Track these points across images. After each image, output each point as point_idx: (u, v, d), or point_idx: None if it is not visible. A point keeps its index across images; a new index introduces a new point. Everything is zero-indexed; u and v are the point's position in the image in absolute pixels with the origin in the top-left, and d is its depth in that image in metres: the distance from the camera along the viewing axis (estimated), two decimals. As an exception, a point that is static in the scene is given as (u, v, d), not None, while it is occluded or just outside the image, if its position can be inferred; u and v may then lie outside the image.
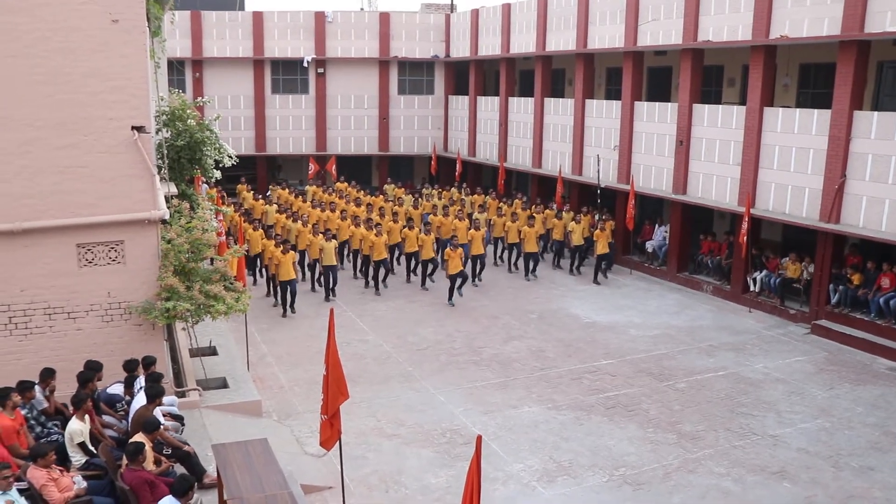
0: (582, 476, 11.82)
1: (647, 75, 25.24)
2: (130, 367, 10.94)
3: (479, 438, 6.30)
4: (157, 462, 9.24)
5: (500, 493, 11.31)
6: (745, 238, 19.63)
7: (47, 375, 10.59)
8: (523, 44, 28.96)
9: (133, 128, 11.38)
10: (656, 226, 24.62)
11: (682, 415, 13.97)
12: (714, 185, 21.30)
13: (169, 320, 11.71)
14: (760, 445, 12.85)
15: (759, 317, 19.82)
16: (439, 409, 14.13)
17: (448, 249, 20.49)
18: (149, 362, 10.98)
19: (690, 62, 21.78)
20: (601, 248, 22.50)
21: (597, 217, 24.21)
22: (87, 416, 9.70)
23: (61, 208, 11.28)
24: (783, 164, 19.29)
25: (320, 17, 33.06)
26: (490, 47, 31.07)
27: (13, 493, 7.94)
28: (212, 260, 12.84)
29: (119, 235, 11.64)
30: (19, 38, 10.82)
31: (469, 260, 21.83)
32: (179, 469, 9.68)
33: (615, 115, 24.72)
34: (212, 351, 15.22)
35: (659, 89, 25.42)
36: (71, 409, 9.80)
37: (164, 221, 12.08)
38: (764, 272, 20.45)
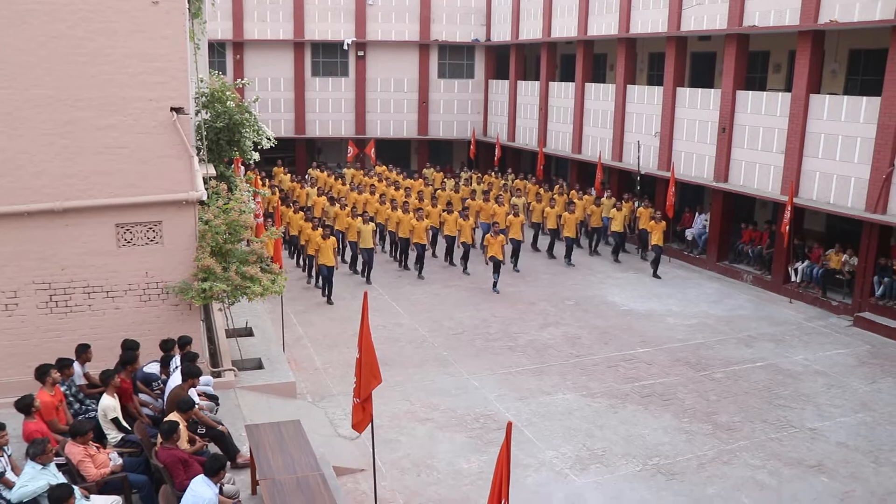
0: (615, 465, 11.70)
1: (690, 61, 24.78)
2: (167, 346, 11.05)
3: (510, 425, 6.22)
4: (192, 441, 9.33)
5: (532, 480, 11.25)
6: (787, 227, 19.23)
7: (83, 351, 10.76)
8: (565, 28, 28.64)
9: (172, 109, 11.44)
10: (696, 213, 24.25)
11: (719, 405, 13.76)
12: (756, 174, 20.89)
13: (205, 301, 11.78)
14: (798, 438, 12.61)
15: (800, 308, 19.44)
16: (473, 395, 14.09)
17: (489, 235, 20.33)
18: (184, 342, 11.08)
19: (735, 48, 21.32)
20: (657, 238, 21.77)
21: (637, 205, 23.87)
22: (116, 393, 9.81)
23: (101, 188, 11.40)
24: (828, 152, 18.83)
25: (361, 1, 33.03)
26: (531, 31, 30.78)
27: (52, 468, 8.06)
28: (248, 241, 12.87)
29: (157, 216, 11.74)
30: (62, 18, 10.91)
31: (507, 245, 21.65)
32: (213, 448, 9.77)
33: (657, 101, 24.35)
34: (248, 332, 15.32)
35: (702, 75, 24.96)
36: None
37: (201, 202, 12.15)
38: (806, 262, 20.03)
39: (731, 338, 17.19)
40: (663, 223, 21.89)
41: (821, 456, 12.05)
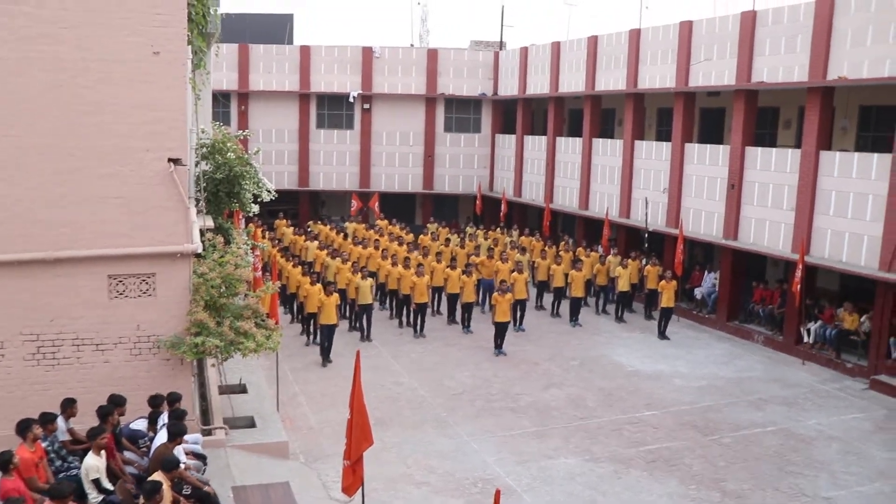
0: (618, 533, 11.46)
1: (699, 116, 25.03)
2: (155, 402, 10.96)
3: (498, 493, 6.10)
4: (176, 502, 9.17)
5: (532, 549, 11.01)
6: (798, 287, 19.13)
7: (68, 405, 10.66)
8: (573, 83, 28.97)
9: (169, 160, 11.54)
10: (706, 272, 24.19)
11: (728, 471, 13.51)
12: (767, 231, 20.86)
13: (198, 356, 11.72)
14: (811, 508, 12.36)
15: (814, 370, 19.22)
16: (472, 457, 13.89)
17: (496, 294, 20.23)
18: (173, 399, 10.98)
19: (744, 104, 21.52)
20: (667, 300, 21.53)
21: (645, 263, 23.78)
22: (103, 452, 9.68)
23: (95, 238, 11.44)
24: (840, 209, 18.83)
25: (368, 53, 33.54)
26: (539, 86, 31.16)
27: (27, 529, 7.92)
28: (245, 296, 12.83)
29: (151, 268, 11.75)
30: (65, 68, 11.10)
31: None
32: (199, 510, 9.60)
33: (665, 156, 24.49)
34: (241, 389, 15.21)
35: (711, 131, 25.16)
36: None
37: (197, 255, 12.16)
38: (818, 323, 19.89)
39: (741, 400, 16.98)
40: (674, 282, 21.78)
41: (834, 527, 11.80)
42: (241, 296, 12.71)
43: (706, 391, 17.56)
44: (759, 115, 22.28)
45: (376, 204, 31.57)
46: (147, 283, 11.78)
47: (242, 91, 32.98)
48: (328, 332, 18.83)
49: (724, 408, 16.53)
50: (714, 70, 22.55)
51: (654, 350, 20.63)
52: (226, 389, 14.68)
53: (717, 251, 24.03)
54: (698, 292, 23.77)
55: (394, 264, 22.12)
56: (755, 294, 22.24)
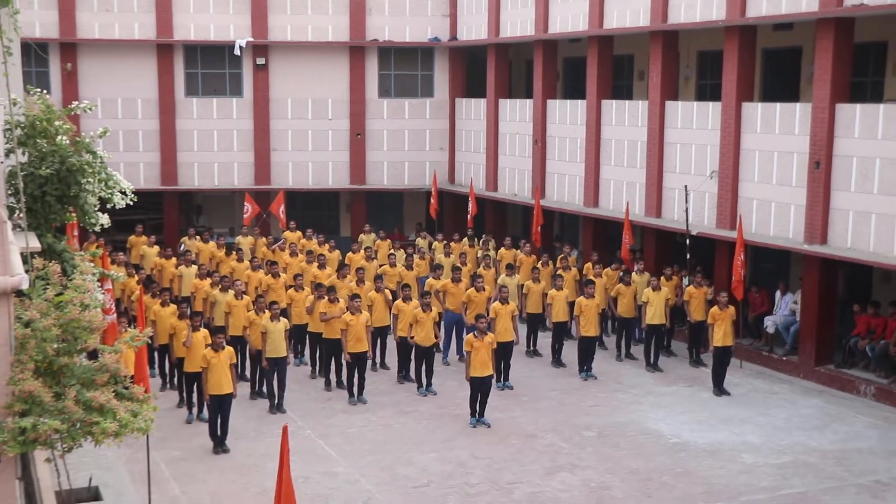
0: None
1: (761, 61, 25.28)
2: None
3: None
4: None
5: None
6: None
7: None
8: (570, 17, 29.10)
9: (-29, 148, 11.28)
10: (778, 293, 24.35)
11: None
12: (872, 230, 20.84)
13: (25, 448, 11.39)
14: None
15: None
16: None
17: (470, 337, 20.07)
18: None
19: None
20: (722, 336, 21.46)
21: (687, 282, 23.87)
22: None
23: None
24: None
25: (261, -20, 33.48)
26: (520, 24, 31.30)
27: None
28: (95, 352, 12.57)
29: (-53, 316, 11.44)
30: None
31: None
32: None
33: (701, 123, 24.72)
34: (93, 495, 15.08)
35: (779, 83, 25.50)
36: None
37: (19, 293, 11.87)
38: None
39: (848, 485, 17.08)
40: (731, 309, 21.83)
41: None
42: (89, 352, 12.46)
43: (793, 472, 17.60)
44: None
45: (281, 208, 31.34)
46: (-58, 338, 11.47)
47: (67, 39, 32.56)
48: (221, 403, 18.59)
49: (823, 496, 16.61)
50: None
51: (709, 411, 20.74)
52: (68, 496, 14.44)
53: (796, 261, 24.20)
54: (770, 323, 23.94)
55: (319, 297, 21.89)
56: (859, 323, 22.36)
